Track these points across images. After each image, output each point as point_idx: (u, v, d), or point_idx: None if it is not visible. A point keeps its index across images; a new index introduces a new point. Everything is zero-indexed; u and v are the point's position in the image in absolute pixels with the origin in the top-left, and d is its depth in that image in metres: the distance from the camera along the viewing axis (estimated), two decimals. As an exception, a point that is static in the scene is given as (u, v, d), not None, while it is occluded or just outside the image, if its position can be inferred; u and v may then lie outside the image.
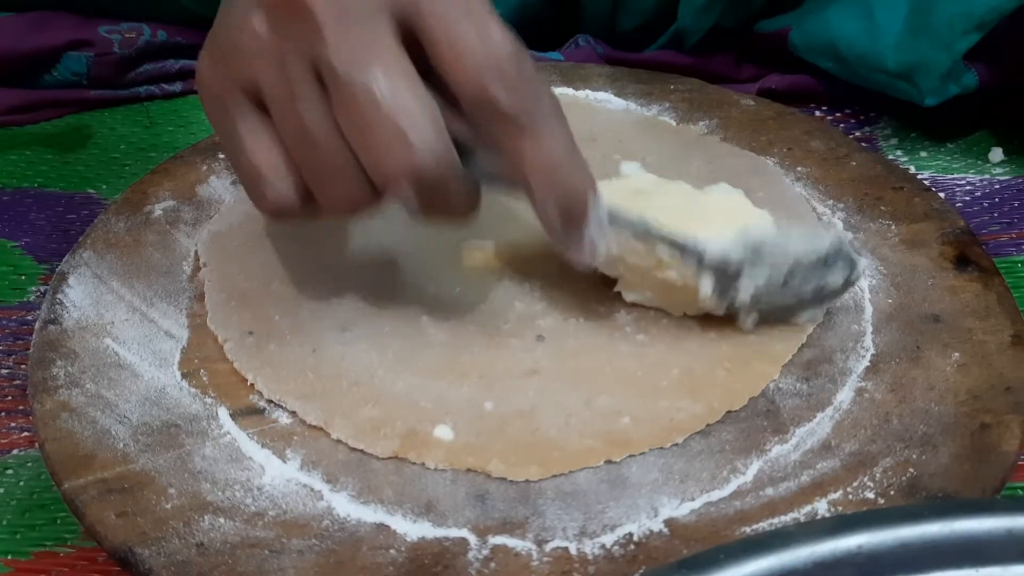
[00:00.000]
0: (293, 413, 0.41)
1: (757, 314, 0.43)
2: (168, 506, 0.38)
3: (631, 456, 0.39)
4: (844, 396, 0.42)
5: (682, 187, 0.45)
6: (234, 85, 0.39)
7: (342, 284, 0.46)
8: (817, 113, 0.63)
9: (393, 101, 0.36)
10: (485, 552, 0.37)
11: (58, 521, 0.42)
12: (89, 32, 0.64)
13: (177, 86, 0.66)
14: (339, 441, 0.40)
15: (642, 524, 0.37)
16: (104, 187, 0.59)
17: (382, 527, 0.37)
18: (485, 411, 0.41)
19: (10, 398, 0.47)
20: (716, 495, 0.38)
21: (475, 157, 0.39)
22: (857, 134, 0.61)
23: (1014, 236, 0.54)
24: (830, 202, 0.51)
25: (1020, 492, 0.43)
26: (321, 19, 0.36)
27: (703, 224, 0.43)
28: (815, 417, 0.41)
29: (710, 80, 0.61)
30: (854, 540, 0.28)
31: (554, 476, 0.39)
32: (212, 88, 0.40)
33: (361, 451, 0.40)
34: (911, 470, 0.39)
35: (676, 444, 0.40)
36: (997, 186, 0.57)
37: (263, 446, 0.40)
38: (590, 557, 0.36)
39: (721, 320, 0.44)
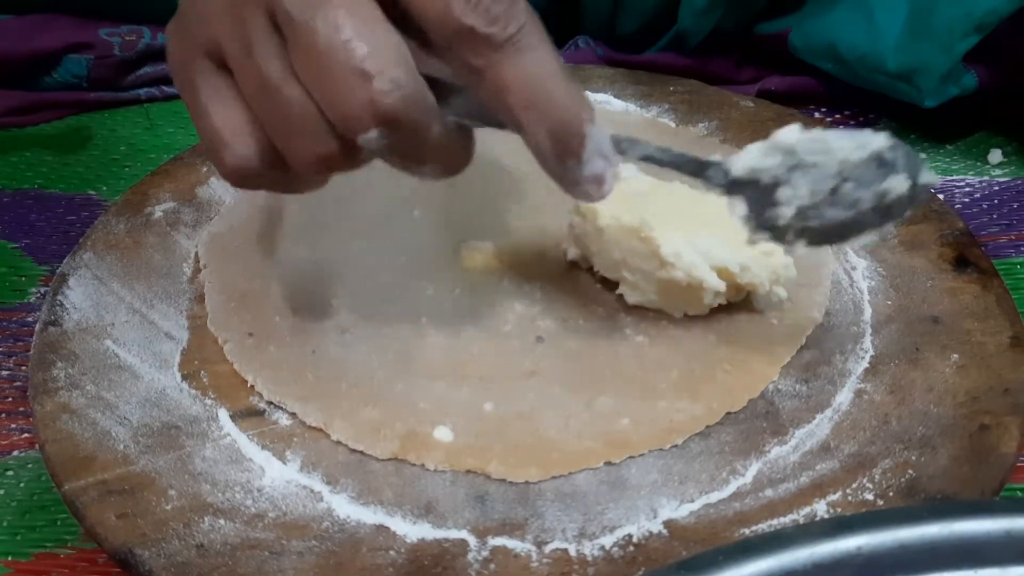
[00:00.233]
0: (293, 414, 0.41)
1: (806, 237, 0.37)
2: (168, 507, 0.38)
3: (630, 457, 0.39)
4: (843, 398, 0.42)
5: (679, 189, 0.45)
6: (197, 50, 0.37)
7: (342, 286, 0.47)
8: (816, 114, 0.63)
9: (351, 37, 0.33)
10: (485, 553, 0.37)
11: (58, 522, 0.42)
12: (89, 35, 0.64)
13: (177, 88, 0.66)
14: (339, 442, 0.40)
15: (641, 525, 0.37)
16: (104, 189, 0.59)
17: (382, 528, 0.37)
18: (485, 412, 0.41)
19: (10, 399, 0.47)
20: (715, 496, 0.38)
21: (460, 98, 0.36)
22: (856, 136, 0.61)
23: (1013, 238, 0.54)
24: (829, 204, 0.51)
25: (1019, 493, 0.43)
26: None
27: (701, 225, 0.43)
28: (814, 418, 0.41)
29: (710, 82, 0.61)
30: (853, 541, 0.28)
31: (553, 477, 0.39)
32: (177, 57, 0.38)
33: (361, 452, 0.40)
34: (910, 471, 0.39)
35: (675, 445, 0.40)
36: (996, 188, 0.57)
37: (263, 447, 0.40)
38: (589, 558, 0.36)
39: (721, 322, 0.44)
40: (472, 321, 0.45)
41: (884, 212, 0.36)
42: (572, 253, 0.47)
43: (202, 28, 0.37)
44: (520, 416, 0.41)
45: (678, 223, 0.43)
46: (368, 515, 0.38)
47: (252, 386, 0.43)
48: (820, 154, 0.35)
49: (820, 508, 0.38)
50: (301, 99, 0.35)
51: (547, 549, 0.37)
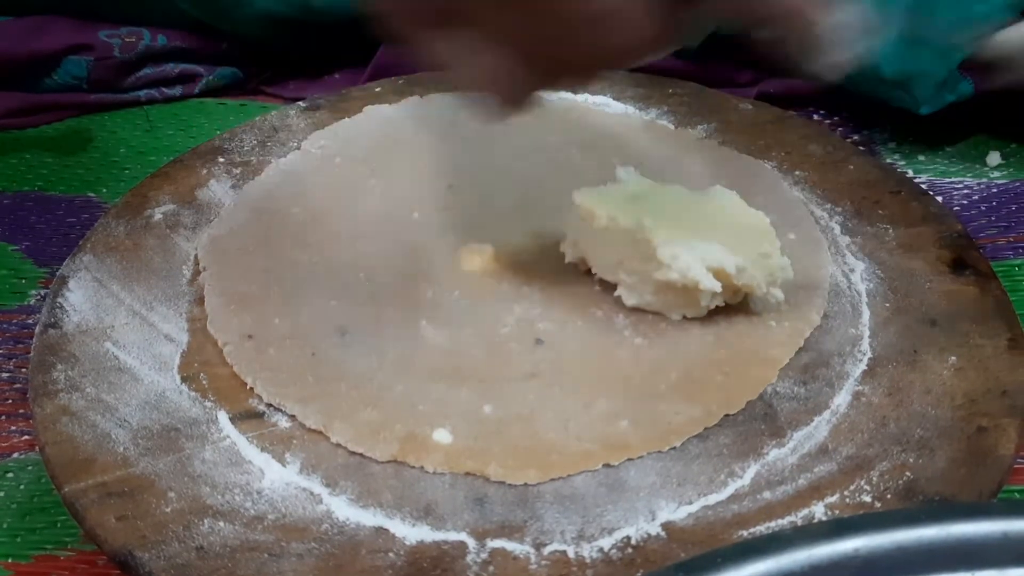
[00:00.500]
0: (292, 417, 0.41)
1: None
2: (168, 510, 0.38)
3: (629, 460, 0.39)
4: (841, 400, 0.42)
5: (678, 191, 0.45)
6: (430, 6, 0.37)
7: (341, 288, 0.47)
8: (815, 117, 0.63)
9: None
10: (483, 555, 0.37)
11: (58, 524, 0.42)
12: (89, 36, 0.64)
13: (177, 90, 0.66)
14: (338, 445, 0.40)
15: (640, 528, 0.37)
16: (104, 191, 0.59)
17: (381, 530, 0.37)
18: (484, 415, 0.41)
19: (10, 402, 0.47)
20: (713, 499, 0.38)
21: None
22: (855, 138, 0.61)
23: (1011, 240, 0.54)
24: (828, 206, 0.51)
25: (1017, 495, 0.43)
26: None
27: (699, 227, 0.43)
28: (812, 421, 0.41)
29: (709, 84, 0.61)
30: (851, 544, 0.28)
31: (552, 480, 0.39)
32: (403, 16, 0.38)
33: (360, 454, 0.40)
34: (908, 474, 0.39)
35: (674, 448, 0.40)
36: (995, 190, 0.57)
37: (262, 450, 0.40)
38: (588, 561, 0.36)
39: (719, 324, 0.44)
40: (471, 323, 0.45)
41: None
42: (571, 255, 0.47)
43: None
44: (519, 418, 0.41)
45: (676, 225, 0.43)
46: (367, 517, 0.38)
47: (252, 388, 0.43)
48: None
49: (818, 510, 0.38)
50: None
51: (546, 551, 0.37)
